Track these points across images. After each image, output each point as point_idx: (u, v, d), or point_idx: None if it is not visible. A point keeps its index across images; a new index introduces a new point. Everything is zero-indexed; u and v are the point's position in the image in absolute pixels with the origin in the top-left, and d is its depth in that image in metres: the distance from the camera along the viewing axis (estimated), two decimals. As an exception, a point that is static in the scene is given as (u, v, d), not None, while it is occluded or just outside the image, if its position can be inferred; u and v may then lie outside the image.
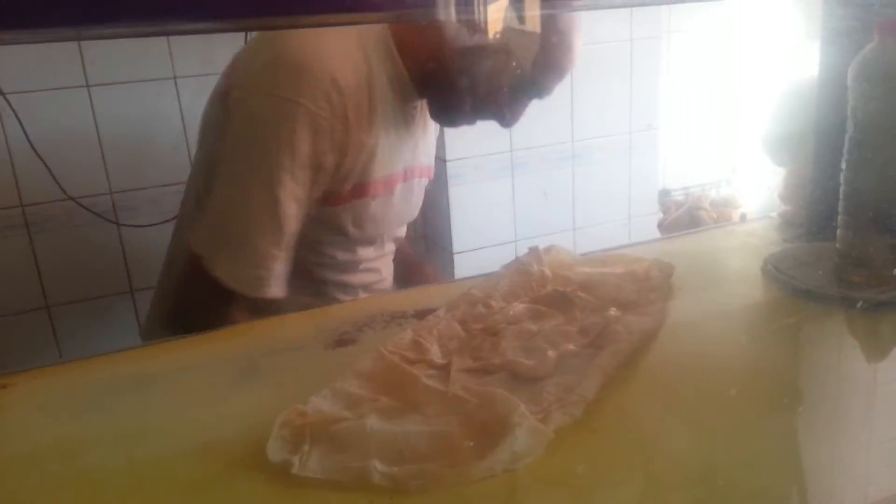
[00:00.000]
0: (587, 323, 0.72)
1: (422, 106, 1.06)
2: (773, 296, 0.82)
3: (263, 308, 0.92)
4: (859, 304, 0.76)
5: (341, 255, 1.03)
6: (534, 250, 0.90)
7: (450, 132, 1.53)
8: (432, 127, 1.15)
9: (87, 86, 1.39)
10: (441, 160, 1.57)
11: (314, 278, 1.04)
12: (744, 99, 1.94)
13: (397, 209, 1.07)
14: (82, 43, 1.36)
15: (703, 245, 1.03)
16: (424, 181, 1.15)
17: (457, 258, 1.63)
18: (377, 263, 1.11)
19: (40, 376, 0.72)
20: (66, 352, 1.50)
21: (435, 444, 0.54)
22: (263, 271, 0.90)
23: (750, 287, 0.84)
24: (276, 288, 0.91)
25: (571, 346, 0.68)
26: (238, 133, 0.92)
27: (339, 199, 0.97)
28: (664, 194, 2.05)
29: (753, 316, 0.79)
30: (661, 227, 1.94)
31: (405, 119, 1.02)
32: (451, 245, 1.63)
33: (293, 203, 0.90)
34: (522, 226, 1.68)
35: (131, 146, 1.46)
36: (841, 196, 0.82)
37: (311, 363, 0.72)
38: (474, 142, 1.59)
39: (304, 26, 0.95)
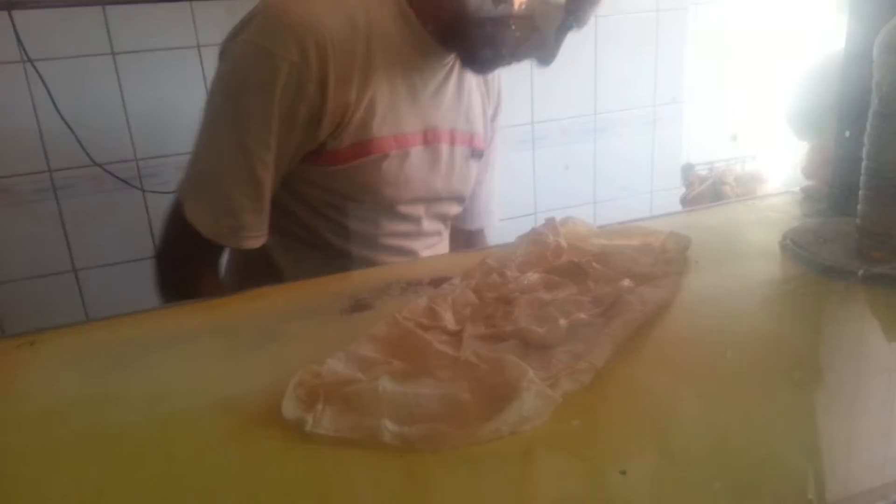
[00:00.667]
0: (600, 293, 0.73)
1: (456, 65, 1.03)
2: (791, 271, 0.82)
3: (254, 267, 0.94)
4: (878, 280, 0.76)
5: (357, 225, 1.01)
6: (550, 221, 0.90)
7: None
8: (477, 90, 1.10)
9: (113, 53, 1.40)
10: (462, 131, 1.57)
11: (336, 250, 1.02)
12: (771, 73, 1.90)
13: (420, 176, 1.03)
14: (107, 11, 1.37)
15: (722, 219, 1.02)
16: (467, 150, 1.09)
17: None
18: (413, 243, 1.07)
19: (66, 334, 0.75)
20: (92, 314, 1.54)
21: (445, 405, 0.55)
22: (233, 220, 0.91)
23: (767, 262, 0.84)
24: (251, 240, 0.92)
25: (583, 316, 0.68)
26: (215, 79, 0.93)
27: (339, 158, 0.95)
28: (687, 169, 2.02)
29: (769, 290, 0.79)
30: (684, 201, 1.92)
31: (423, 77, 1.00)
32: (470, 216, 1.63)
33: (264, 152, 0.89)
34: (543, 198, 1.68)
35: (156, 114, 1.47)
36: (863, 171, 0.81)
37: (328, 327, 0.74)
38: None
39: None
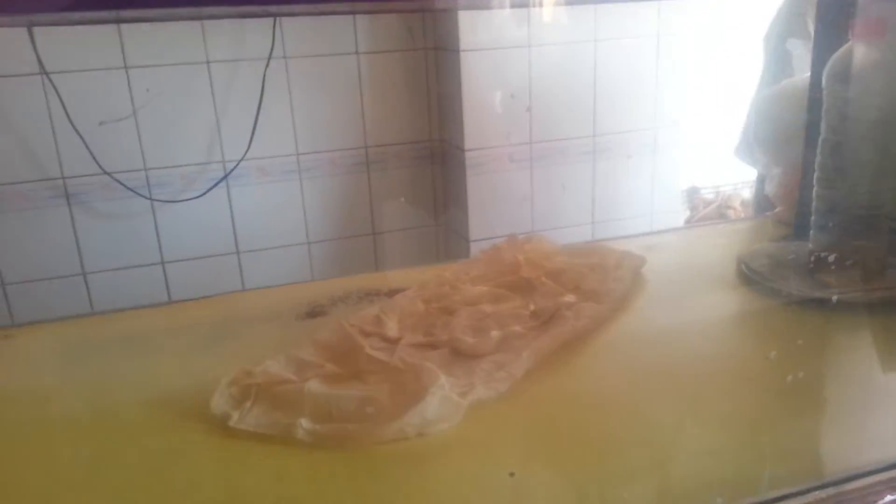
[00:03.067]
0: (540, 307, 0.75)
1: None
2: (739, 292, 0.83)
3: None
4: (826, 306, 0.76)
5: None
6: (511, 238, 0.92)
7: (469, 122, 1.57)
8: None
9: (126, 67, 1.48)
10: (460, 149, 1.61)
11: None
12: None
13: None
14: (122, 28, 1.45)
15: (688, 241, 1.04)
16: None
17: (473, 245, 1.67)
18: None
19: (39, 330, 0.80)
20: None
21: (361, 406, 0.58)
22: None
23: (718, 282, 0.85)
24: None
25: (518, 328, 0.71)
26: None
27: None
28: (693, 192, 2.03)
29: (712, 310, 0.80)
30: (684, 225, 1.92)
31: None
32: (467, 232, 1.67)
33: None
34: (540, 217, 1.70)
35: (166, 126, 1.54)
36: (814, 198, 0.82)
37: (280, 331, 0.77)
38: (494, 133, 1.61)
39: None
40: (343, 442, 0.55)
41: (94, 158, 1.47)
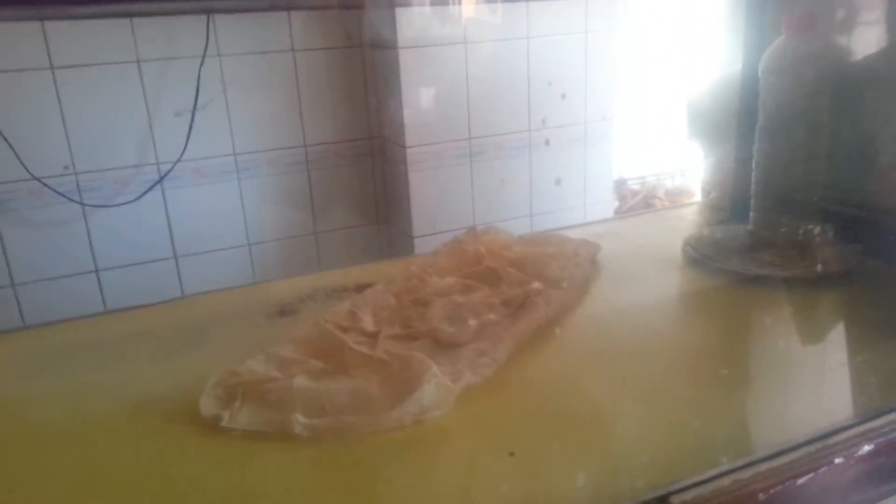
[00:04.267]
0: (510, 295, 0.78)
1: None
2: (688, 272, 0.88)
3: None
4: (766, 281, 0.82)
5: None
6: (471, 230, 0.95)
7: (409, 119, 1.58)
8: None
9: (52, 68, 1.41)
10: (401, 146, 1.62)
11: None
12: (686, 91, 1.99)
13: None
14: (45, 26, 1.38)
15: (635, 228, 1.09)
16: None
17: (416, 241, 1.68)
18: None
19: (2, 341, 0.76)
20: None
21: (354, 399, 0.59)
22: None
23: (668, 265, 0.90)
24: None
25: (492, 316, 0.73)
26: None
27: None
28: (620, 184, 2.11)
29: (666, 290, 0.85)
30: (618, 215, 2.00)
31: None
32: (410, 229, 1.68)
33: None
34: (480, 211, 1.73)
35: (95, 128, 1.48)
36: (752, 182, 0.89)
37: (253, 331, 0.77)
38: (433, 129, 1.63)
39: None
40: (342, 434, 0.56)
41: (20, 162, 1.40)
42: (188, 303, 0.85)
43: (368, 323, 0.74)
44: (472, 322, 0.71)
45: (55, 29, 1.40)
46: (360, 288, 0.85)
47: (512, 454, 0.53)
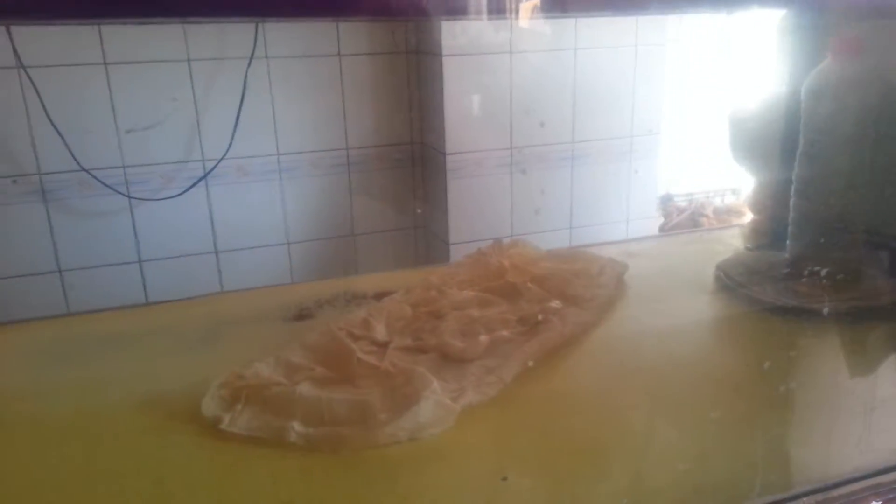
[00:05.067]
0: (527, 312, 0.76)
1: None
2: (718, 298, 0.85)
3: None
4: (801, 314, 0.79)
5: None
6: (496, 242, 0.94)
7: (450, 126, 1.58)
8: None
9: (105, 63, 1.46)
10: (441, 153, 1.62)
11: None
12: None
13: None
14: (102, 25, 1.43)
15: (670, 248, 1.06)
16: None
17: (452, 248, 1.68)
18: None
19: (26, 330, 0.79)
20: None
21: (353, 410, 0.59)
22: None
23: (698, 289, 0.87)
24: None
25: (506, 333, 0.72)
26: None
27: None
28: (666, 199, 2.06)
29: (691, 314, 0.82)
30: (662, 231, 1.96)
31: None
32: (447, 236, 1.68)
33: None
34: (518, 222, 1.71)
35: (146, 123, 1.53)
36: (791, 209, 0.85)
37: (268, 333, 0.77)
38: (475, 137, 1.63)
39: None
40: (336, 446, 0.55)
41: (72, 155, 1.45)
42: (209, 301, 0.86)
43: (381, 333, 0.74)
44: (483, 338, 0.70)
45: (109, 27, 1.44)
46: (380, 296, 0.84)
47: (505, 479, 0.52)
